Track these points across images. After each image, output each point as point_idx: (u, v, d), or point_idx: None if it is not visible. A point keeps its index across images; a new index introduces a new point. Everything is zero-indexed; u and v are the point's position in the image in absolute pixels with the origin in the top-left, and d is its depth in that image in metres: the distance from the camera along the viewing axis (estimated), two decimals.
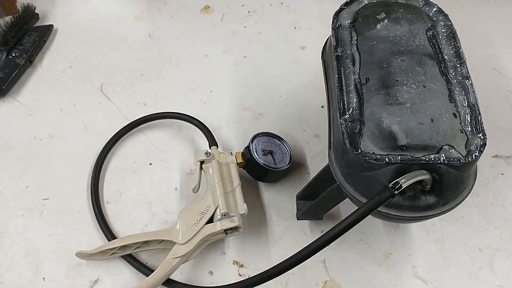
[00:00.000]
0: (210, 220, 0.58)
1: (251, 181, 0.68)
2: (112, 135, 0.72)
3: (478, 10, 0.93)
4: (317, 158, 0.71)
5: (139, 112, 0.75)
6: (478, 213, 0.65)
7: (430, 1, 0.56)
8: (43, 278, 0.59)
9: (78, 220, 0.64)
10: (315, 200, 0.59)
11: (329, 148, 0.52)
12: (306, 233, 0.63)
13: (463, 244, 0.62)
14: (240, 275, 0.60)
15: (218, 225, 0.57)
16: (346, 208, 0.62)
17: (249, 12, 0.94)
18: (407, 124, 0.45)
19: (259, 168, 0.65)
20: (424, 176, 0.43)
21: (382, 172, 0.44)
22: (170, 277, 0.57)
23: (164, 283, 0.57)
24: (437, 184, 0.44)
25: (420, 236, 0.63)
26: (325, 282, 0.59)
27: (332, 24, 0.55)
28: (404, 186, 0.42)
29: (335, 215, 0.64)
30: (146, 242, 0.59)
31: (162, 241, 0.59)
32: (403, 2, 0.56)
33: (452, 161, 0.43)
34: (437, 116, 0.45)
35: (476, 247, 0.62)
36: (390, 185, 0.42)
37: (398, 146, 0.44)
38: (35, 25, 0.89)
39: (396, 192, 0.42)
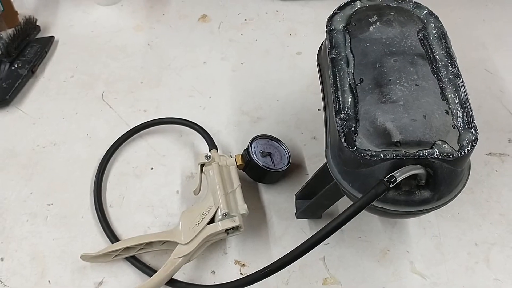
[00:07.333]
0: (212, 221, 0.59)
1: (250, 183, 0.69)
2: (113, 141, 0.73)
3: (468, 13, 0.95)
4: (314, 159, 0.72)
5: (140, 119, 0.76)
6: (474, 209, 0.66)
7: (421, 4, 0.58)
8: (49, 281, 0.60)
9: (82, 224, 0.66)
10: (313, 199, 0.60)
11: (326, 147, 0.53)
12: (305, 232, 0.64)
13: (460, 239, 0.63)
14: (242, 274, 0.61)
15: (220, 225, 0.58)
16: (344, 206, 0.60)
17: (245, 20, 0.96)
18: (401, 121, 0.46)
19: (259, 170, 0.66)
20: (418, 170, 0.44)
21: (378, 168, 0.45)
22: (173, 277, 0.58)
23: (167, 283, 0.58)
24: (431, 179, 0.45)
25: (417, 232, 0.64)
26: (325, 279, 0.60)
27: (326, 28, 0.56)
28: (399, 179, 0.43)
29: (334, 214, 0.65)
30: (149, 244, 0.60)
31: (165, 242, 0.60)
32: (395, 5, 0.57)
33: (445, 155, 0.44)
34: (430, 113, 0.47)
35: (472, 242, 0.63)
36: (385, 179, 0.43)
37: (393, 143, 0.45)
38: (36, 37, 0.91)
39: (391, 185, 0.43)
